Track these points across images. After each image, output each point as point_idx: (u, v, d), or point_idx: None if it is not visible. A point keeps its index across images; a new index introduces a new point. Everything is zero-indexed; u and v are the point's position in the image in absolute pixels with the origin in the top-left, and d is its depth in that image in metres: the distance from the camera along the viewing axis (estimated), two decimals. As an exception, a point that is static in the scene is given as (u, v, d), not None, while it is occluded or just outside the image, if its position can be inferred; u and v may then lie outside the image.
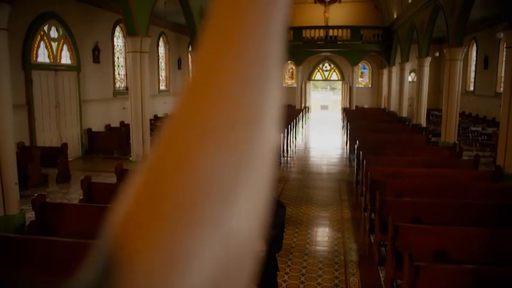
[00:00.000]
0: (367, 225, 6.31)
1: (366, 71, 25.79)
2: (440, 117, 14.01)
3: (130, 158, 9.06)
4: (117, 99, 13.39)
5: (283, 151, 11.80)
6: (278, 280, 4.43)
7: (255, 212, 0.25)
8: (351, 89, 23.14)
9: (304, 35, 22.25)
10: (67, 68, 11.15)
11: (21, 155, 7.78)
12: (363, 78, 25.88)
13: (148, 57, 9.20)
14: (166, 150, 0.24)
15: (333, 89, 36.00)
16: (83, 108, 11.73)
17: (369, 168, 6.72)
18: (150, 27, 9.02)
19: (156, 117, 15.21)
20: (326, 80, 26.86)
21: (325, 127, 20.42)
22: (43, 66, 10.28)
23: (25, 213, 6.12)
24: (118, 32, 13.62)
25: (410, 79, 20.94)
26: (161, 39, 16.90)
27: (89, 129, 11.88)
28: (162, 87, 17.32)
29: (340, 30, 22.36)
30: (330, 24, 23.52)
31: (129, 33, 8.63)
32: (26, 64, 9.67)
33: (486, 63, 16.97)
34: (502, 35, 11.50)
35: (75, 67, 11.44)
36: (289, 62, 23.63)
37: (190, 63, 16.83)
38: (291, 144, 13.47)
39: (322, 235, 6.15)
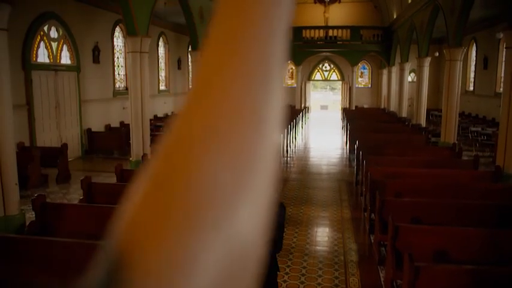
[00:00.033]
0: (367, 225, 6.31)
1: (365, 71, 25.81)
2: (440, 117, 14.01)
3: (130, 158, 9.06)
4: (117, 99, 13.39)
5: (283, 151, 11.81)
6: (278, 280, 4.44)
7: (259, 214, 0.25)
8: (350, 89, 23.15)
9: (304, 35, 22.26)
10: (67, 68, 11.15)
11: (21, 155, 7.78)
12: (362, 78, 25.89)
13: (148, 57, 9.20)
14: (170, 152, 0.25)
15: (332, 89, 36.00)
16: (82, 108, 11.73)
17: (368, 169, 6.72)
18: (150, 27, 9.03)
19: (156, 117, 15.22)
20: (326, 80, 26.87)
21: (325, 127, 20.42)
22: (43, 67, 10.28)
23: (25, 213, 6.12)
24: (118, 32, 13.62)
25: (410, 79, 20.95)
26: (161, 39, 16.90)
27: (89, 130, 11.88)
28: (162, 87, 17.32)
29: (340, 30, 22.37)
30: (329, 24, 23.53)
31: (129, 33, 8.63)
32: (26, 64, 9.66)
33: (486, 63, 16.98)
34: (501, 35, 11.52)
35: (75, 67, 11.44)
36: (289, 62, 23.65)
37: (190, 63, 16.81)
38: (291, 144, 13.47)
39: (322, 235, 6.15)
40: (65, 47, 11.15)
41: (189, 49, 13.99)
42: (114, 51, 13.55)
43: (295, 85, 23.76)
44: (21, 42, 9.52)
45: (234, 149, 0.24)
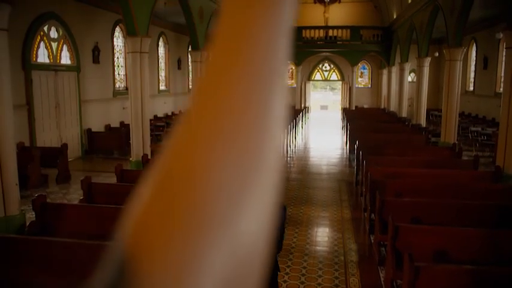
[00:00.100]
0: (367, 225, 6.32)
1: (365, 71, 25.81)
2: (440, 117, 14.02)
3: (130, 158, 9.06)
4: (117, 99, 13.39)
5: (284, 151, 11.81)
6: (278, 280, 4.44)
7: (264, 214, 0.25)
8: (350, 89, 23.15)
9: (304, 35, 22.26)
10: (67, 68, 11.15)
11: (21, 155, 7.77)
12: (362, 78, 25.90)
13: (148, 57, 9.20)
14: (177, 151, 0.25)
15: (332, 89, 36.01)
16: (82, 108, 11.73)
17: (368, 169, 6.73)
18: (150, 27, 9.02)
19: (156, 117, 15.22)
20: (326, 80, 26.87)
21: (324, 127, 20.43)
22: (43, 67, 10.28)
23: (25, 213, 6.12)
24: (118, 32, 13.62)
25: (410, 79, 20.95)
26: (161, 39, 16.90)
27: (89, 130, 11.88)
28: (162, 87, 17.32)
29: (339, 30, 22.37)
30: (329, 24, 23.53)
31: (129, 33, 8.63)
32: (26, 64, 9.66)
33: (486, 63, 16.98)
34: (501, 35, 11.52)
35: (75, 67, 11.44)
36: (290, 61, 23.68)
37: (190, 63, 16.79)
38: (291, 144, 13.48)
39: (322, 235, 6.15)
40: (65, 47, 11.15)
41: (189, 49, 13.99)
42: (114, 51, 13.55)
43: (295, 85, 23.76)
44: (21, 42, 9.52)
45: (240, 148, 0.24)
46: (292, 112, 16.87)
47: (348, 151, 12.56)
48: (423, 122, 15.05)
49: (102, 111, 12.69)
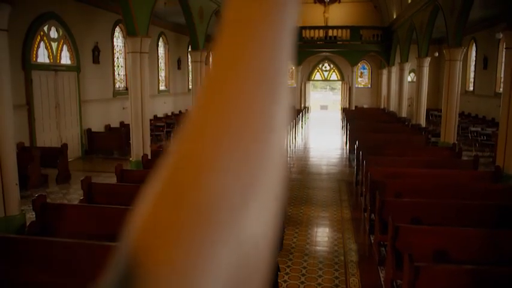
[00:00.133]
0: (367, 225, 6.32)
1: (365, 71, 25.81)
2: (439, 117, 14.02)
3: (130, 158, 9.06)
4: (117, 99, 13.39)
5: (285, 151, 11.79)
6: (278, 280, 4.44)
7: (268, 216, 0.25)
8: (350, 89, 23.15)
9: (303, 35, 22.26)
10: (67, 68, 11.15)
11: (21, 155, 7.77)
12: (362, 78, 25.90)
13: (148, 57, 9.20)
14: (183, 150, 0.25)
15: (332, 89, 36.01)
16: (82, 108, 11.73)
17: (368, 169, 6.73)
18: (150, 27, 9.02)
19: (156, 118, 15.22)
20: (326, 80, 26.87)
21: (324, 127, 20.43)
22: (43, 67, 10.28)
23: (25, 213, 6.12)
24: (118, 33, 13.62)
25: (409, 79, 20.96)
26: (161, 39, 16.90)
27: (89, 130, 11.89)
28: (162, 87, 17.32)
29: (339, 30, 22.37)
30: (329, 24, 23.54)
31: (129, 33, 8.63)
32: (26, 64, 9.67)
33: (485, 63, 16.99)
34: (501, 35, 11.52)
35: (75, 67, 11.44)
36: (291, 61, 23.70)
37: (190, 63, 16.78)
38: (291, 144, 13.48)
39: (322, 235, 6.15)
40: (65, 47, 11.15)
41: (189, 49, 13.98)
42: (114, 51, 13.55)
43: (295, 85, 23.76)
44: (21, 42, 9.52)
45: (245, 147, 0.24)
46: (292, 112, 16.86)
47: (347, 151, 12.56)
48: (423, 122, 15.05)
49: (102, 111, 12.69)
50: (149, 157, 7.82)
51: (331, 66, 25.55)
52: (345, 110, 20.37)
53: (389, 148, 8.98)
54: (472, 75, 18.88)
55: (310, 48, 22.44)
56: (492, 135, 12.12)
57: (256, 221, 0.24)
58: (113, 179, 7.08)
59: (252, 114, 0.25)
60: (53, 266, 3.51)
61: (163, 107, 16.97)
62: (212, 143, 0.24)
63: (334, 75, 25.88)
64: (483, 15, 14.93)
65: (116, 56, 13.69)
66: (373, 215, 6.00)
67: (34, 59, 10.05)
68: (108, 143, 11.85)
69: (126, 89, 13.22)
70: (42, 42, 10.34)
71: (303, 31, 22.21)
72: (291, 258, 5.15)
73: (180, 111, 18.32)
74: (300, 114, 18.27)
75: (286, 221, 6.42)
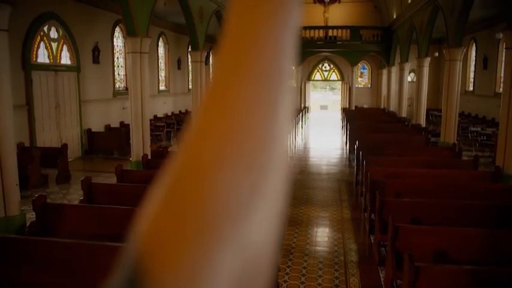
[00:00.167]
0: (367, 225, 6.32)
1: (365, 71, 25.82)
2: (439, 117, 14.02)
3: (130, 158, 9.06)
4: (117, 99, 13.39)
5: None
6: (278, 280, 4.45)
7: (272, 219, 0.25)
8: (350, 89, 23.15)
9: (303, 35, 22.26)
10: (67, 68, 11.15)
11: (21, 155, 7.77)
12: (362, 78, 25.91)
13: (148, 57, 9.20)
14: (188, 152, 0.25)
15: (332, 89, 36.01)
16: (82, 108, 11.73)
17: (368, 169, 6.73)
18: (150, 27, 9.02)
19: (156, 118, 15.22)
20: (325, 80, 26.88)
21: (324, 127, 20.43)
22: (43, 67, 10.28)
23: (25, 214, 6.12)
24: (118, 33, 13.62)
25: (409, 79, 20.96)
26: (161, 39, 16.90)
27: (89, 130, 11.89)
28: (162, 87, 17.32)
29: (339, 30, 22.37)
30: (329, 24, 23.54)
31: (129, 33, 8.63)
32: (26, 64, 9.67)
33: (485, 63, 16.99)
34: (501, 35, 11.52)
35: (75, 67, 11.44)
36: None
37: (190, 63, 16.78)
38: (291, 145, 13.48)
39: (322, 235, 6.15)
40: (65, 47, 11.15)
41: (189, 49, 13.98)
42: (114, 51, 13.55)
43: (294, 85, 23.75)
44: (21, 42, 9.52)
45: (249, 148, 0.24)
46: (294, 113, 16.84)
47: (347, 151, 12.56)
48: (423, 122, 15.05)
49: (102, 111, 12.69)
50: (149, 157, 7.82)
51: (331, 66, 25.55)
52: (344, 110, 20.38)
53: (389, 148, 8.99)
54: (472, 75, 18.88)
55: (310, 48, 22.44)
56: (492, 135, 12.13)
57: (259, 226, 0.24)
58: (113, 179, 7.08)
59: (255, 120, 0.25)
60: (53, 266, 3.52)
61: (163, 107, 16.97)
62: (215, 150, 0.24)
63: (334, 75, 25.88)
64: (483, 15, 14.93)
65: (116, 56, 13.69)
66: (373, 215, 6.00)
67: (34, 59, 10.05)
68: (108, 143, 11.85)
69: (126, 89, 13.22)
70: (42, 42, 10.34)
71: (303, 31, 22.21)
72: (291, 258, 5.15)
73: (180, 111, 18.32)
74: (300, 114, 18.27)
75: (286, 221, 6.42)
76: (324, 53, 23.76)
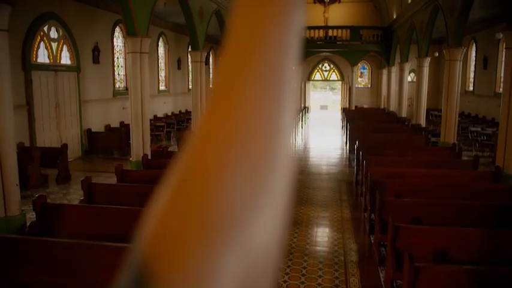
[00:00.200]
0: (367, 225, 6.32)
1: (365, 71, 25.82)
2: (439, 117, 14.02)
3: (130, 159, 9.06)
4: (117, 99, 13.39)
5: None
6: (278, 280, 4.44)
7: (277, 215, 0.25)
8: (350, 89, 23.16)
9: (303, 35, 22.25)
10: (67, 68, 11.15)
11: (21, 155, 7.77)
12: (362, 78, 25.91)
13: (148, 57, 9.20)
14: (193, 153, 0.25)
15: (332, 89, 36.01)
16: (82, 108, 11.73)
17: (368, 169, 6.73)
18: (150, 27, 9.02)
19: (156, 118, 15.22)
20: (325, 80, 26.88)
21: (324, 127, 20.43)
22: (43, 67, 10.28)
23: (26, 214, 6.12)
24: (118, 33, 13.62)
25: (409, 79, 20.96)
26: (161, 39, 16.90)
27: (89, 130, 11.89)
28: (162, 87, 17.32)
29: (339, 30, 22.38)
30: (329, 24, 23.54)
31: (129, 33, 8.63)
32: (26, 64, 9.67)
33: (485, 63, 16.99)
34: (501, 35, 11.52)
35: (75, 67, 11.44)
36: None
37: (190, 63, 16.78)
38: (291, 145, 13.46)
39: (322, 235, 6.16)
40: (65, 47, 11.15)
41: (189, 49, 13.98)
42: (114, 51, 13.55)
43: (295, 85, 23.74)
44: (21, 42, 9.52)
45: (254, 149, 0.24)
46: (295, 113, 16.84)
47: (348, 151, 12.56)
48: (423, 122, 15.05)
49: (102, 111, 12.69)
50: (149, 157, 7.82)
51: (331, 66, 25.56)
52: (344, 110, 20.38)
53: (389, 148, 8.99)
54: (472, 75, 18.88)
55: (310, 48, 22.44)
56: (492, 135, 12.13)
57: (264, 228, 0.24)
58: (113, 179, 7.08)
59: (259, 120, 0.25)
60: (53, 266, 3.52)
61: (163, 107, 16.97)
62: (220, 151, 0.24)
63: (334, 75, 25.89)
64: (483, 15, 14.93)
65: (116, 56, 13.68)
66: (373, 215, 6.00)
67: (34, 59, 10.05)
68: (108, 143, 11.85)
69: (126, 89, 13.22)
70: (42, 42, 10.34)
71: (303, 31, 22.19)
72: (291, 259, 5.15)
73: (180, 111, 18.33)
74: (300, 114, 18.27)
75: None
76: (324, 53, 23.76)
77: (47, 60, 10.53)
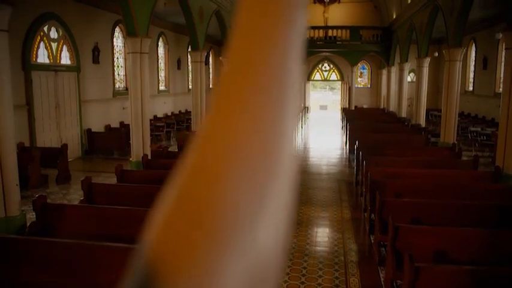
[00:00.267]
0: (367, 225, 6.32)
1: (365, 71, 25.83)
2: (439, 117, 14.02)
3: (130, 159, 9.06)
4: (116, 99, 13.39)
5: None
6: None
7: (280, 226, 0.25)
8: (350, 89, 23.16)
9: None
10: (67, 68, 11.15)
11: (21, 155, 7.77)
12: (362, 78, 25.92)
13: (148, 57, 9.20)
14: (199, 154, 0.25)
15: (332, 89, 36.01)
16: (82, 108, 11.73)
17: (368, 169, 6.73)
18: (150, 27, 9.02)
19: (155, 118, 15.22)
20: (325, 80, 26.88)
21: (324, 127, 20.43)
22: (43, 67, 10.28)
23: (26, 214, 6.12)
24: (118, 33, 13.62)
25: (409, 79, 20.96)
26: (161, 39, 16.90)
27: (89, 130, 11.88)
28: (162, 87, 17.32)
29: (339, 30, 22.38)
30: (329, 24, 23.54)
31: (129, 33, 8.63)
32: (26, 65, 9.66)
33: (485, 63, 16.99)
34: (501, 35, 11.52)
35: (75, 67, 11.44)
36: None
37: (189, 64, 16.78)
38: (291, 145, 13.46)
39: (322, 236, 6.16)
40: (64, 48, 11.15)
41: (189, 49, 13.98)
42: (114, 51, 13.55)
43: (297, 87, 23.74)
44: (21, 42, 9.52)
45: (258, 150, 0.24)
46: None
47: (347, 151, 12.56)
48: (423, 122, 15.05)
49: (102, 111, 12.69)
50: (149, 157, 7.82)
51: (331, 66, 25.56)
52: (344, 110, 20.38)
53: (389, 148, 8.99)
54: (471, 75, 18.89)
55: (310, 48, 22.43)
56: (492, 135, 12.13)
57: (267, 230, 0.25)
58: (113, 179, 7.08)
59: (263, 124, 0.25)
60: (53, 266, 3.52)
61: (163, 107, 16.97)
62: (224, 154, 0.24)
63: (334, 75, 25.89)
64: (483, 15, 14.94)
65: (115, 56, 13.68)
66: (373, 215, 6.00)
67: (34, 59, 10.04)
68: (108, 143, 11.85)
69: (126, 89, 13.22)
70: (42, 42, 10.34)
71: (303, 31, 22.20)
72: (291, 259, 5.15)
73: (180, 111, 18.32)
74: (300, 115, 18.27)
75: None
76: (324, 53, 23.76)
77: (47, 60, 10.53)
